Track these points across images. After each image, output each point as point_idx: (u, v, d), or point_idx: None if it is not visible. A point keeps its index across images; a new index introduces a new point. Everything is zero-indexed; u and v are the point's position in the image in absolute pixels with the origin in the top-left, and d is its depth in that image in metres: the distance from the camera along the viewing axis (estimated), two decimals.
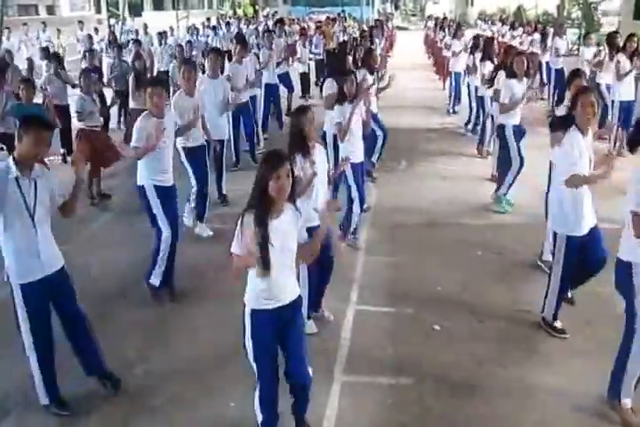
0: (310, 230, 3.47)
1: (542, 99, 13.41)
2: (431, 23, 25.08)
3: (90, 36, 13.96)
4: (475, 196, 7.50)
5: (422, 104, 13.71)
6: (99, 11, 25.79)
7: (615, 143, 9.08)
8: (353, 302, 5.01)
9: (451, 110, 12.66)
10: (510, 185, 7.05)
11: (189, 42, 12.76)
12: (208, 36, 17.20)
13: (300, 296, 3.29)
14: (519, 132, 7.10)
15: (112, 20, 20.62)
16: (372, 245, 6.13)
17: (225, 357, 4.26)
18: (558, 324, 4.56)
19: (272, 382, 3.22)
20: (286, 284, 3.17)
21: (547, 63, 13.43)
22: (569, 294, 4.81)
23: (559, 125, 4.59)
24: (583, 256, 4.39)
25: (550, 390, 3.92)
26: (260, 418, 3.32)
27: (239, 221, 3.01)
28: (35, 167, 3.50)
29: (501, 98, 6.98)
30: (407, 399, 3.85)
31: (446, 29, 17.14)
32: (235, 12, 32.57)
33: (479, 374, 4.10)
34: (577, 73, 5.66)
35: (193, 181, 6.23)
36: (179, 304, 5.01)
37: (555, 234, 4.44)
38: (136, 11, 27.27)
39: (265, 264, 2.99)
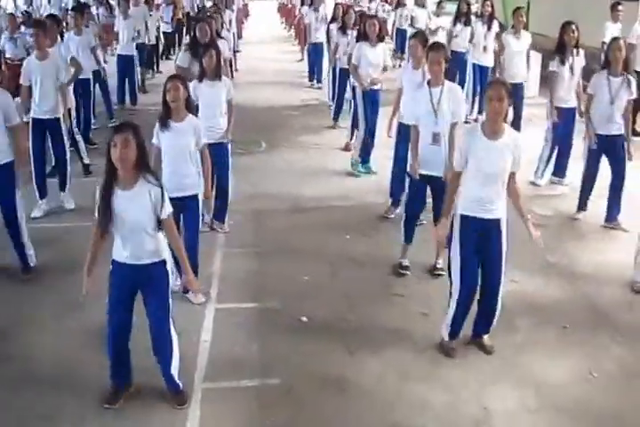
0: (184, 200, 4.28)
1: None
2: None
3: None
4: (340, 173, 7.41)
5: (282, 79, 13.33)
6: None
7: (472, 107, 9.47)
8: (212, 299, 4.69)
9: (311, 84, 12.42)
10: (361, 150, 7.27)
11: (26, 12, 11.65)
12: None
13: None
14: (371, 98, 7.14)
15: None
16: (230, 236, 5.75)
17: (59, 376, 3.84)
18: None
19: None
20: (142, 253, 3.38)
21: (400, 31, 13.69)
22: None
23: None
24: None
25: (424, 376, 3.87)
26: None
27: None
28: None
29: (353, 59, 7.19)
30: (275, 401, 3.65)
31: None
32: None
33: (351, 364, 3.98)
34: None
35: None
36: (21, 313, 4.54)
37: None
38: None
39: (102, 229, 3.30)
